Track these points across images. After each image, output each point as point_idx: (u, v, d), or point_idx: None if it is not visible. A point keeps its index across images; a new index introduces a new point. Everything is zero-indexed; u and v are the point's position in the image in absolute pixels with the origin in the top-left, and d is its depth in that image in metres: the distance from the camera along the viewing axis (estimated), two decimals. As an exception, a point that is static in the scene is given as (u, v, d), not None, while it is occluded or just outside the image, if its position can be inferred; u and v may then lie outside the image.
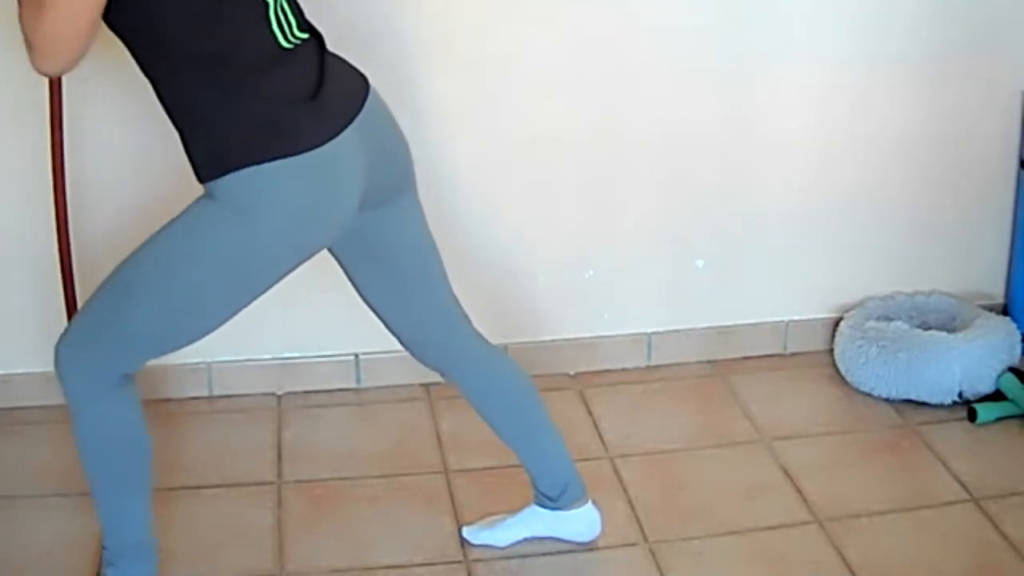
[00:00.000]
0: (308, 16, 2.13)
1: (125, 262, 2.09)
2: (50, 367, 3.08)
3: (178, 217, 2.06)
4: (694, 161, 3.17)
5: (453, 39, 2.97)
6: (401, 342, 2.43)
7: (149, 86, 2.01)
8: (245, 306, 2.12)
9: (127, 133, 2.89)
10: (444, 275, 2.39)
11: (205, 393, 3.17)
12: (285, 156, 1.96)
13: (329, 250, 2.26)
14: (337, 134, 2.02)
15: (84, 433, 2.18)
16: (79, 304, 2.66)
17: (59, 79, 2.45)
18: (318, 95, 2.03)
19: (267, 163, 1.96)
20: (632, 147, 3.13)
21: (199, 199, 2.05)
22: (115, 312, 2.08)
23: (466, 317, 2.45)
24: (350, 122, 2.05)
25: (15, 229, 2.97)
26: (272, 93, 1.98)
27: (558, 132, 3.08)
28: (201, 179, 2.02)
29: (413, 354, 2.46)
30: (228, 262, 2.04)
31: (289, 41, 2.03)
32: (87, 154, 2.87)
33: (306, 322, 3.13)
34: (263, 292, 2.12)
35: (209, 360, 3.12)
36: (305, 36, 2.08)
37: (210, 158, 1.99)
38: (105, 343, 2.11)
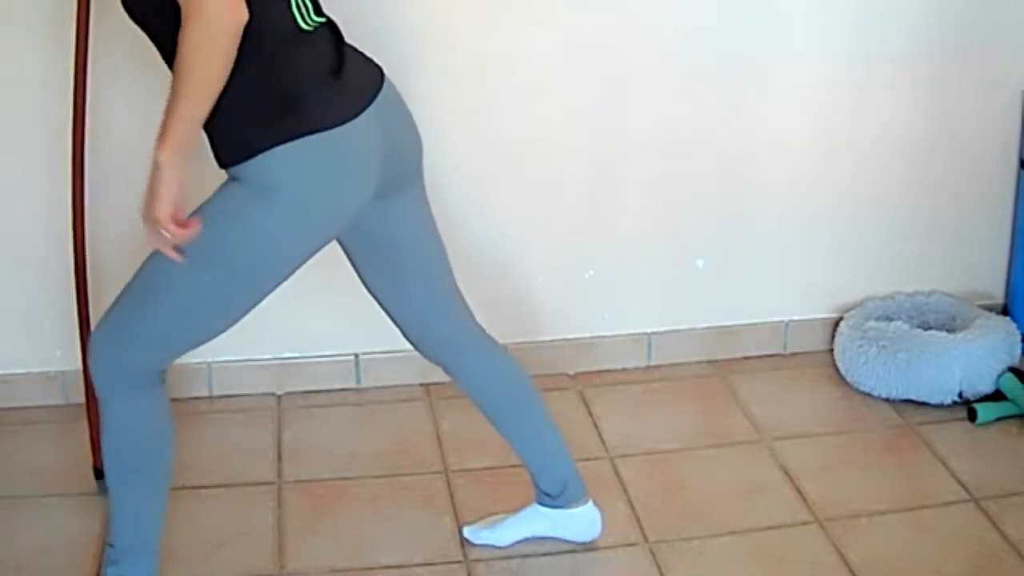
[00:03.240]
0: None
1: (150, 257, 2.07)
2: (50, 367, 3.09)
3: (201, 206, 2.06)
4: (694, 161, 3.17)
5: (453, 39, 2.97)
6: (404, 335, 2.44)
7: (168, 78, 2.00)
8: (267, 294, 2.12)
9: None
10: (449, 270, 2.40)
11: (205, 393, 3.17)
12: (308, 134, 1.98)
13: (338, 240, 2.26)
14: (358, 114, 2.04)
15: (111, 429, 2.19)
16: (90, 302, 2.64)
17: (84, 78, 2.43)
18: (338, 76, 2.05)
19: (291, 142, 1.97)
20: (632, 147, 3.13)
21: (222, 186, 2.05)
22: (142, 309, 2.09)
23: (470, 312, 2.45)
24: (369, 103, 2.07)
25: (15, 230, 2.97)
26: (293, 74, 2.00)
27: (558, 132, 3.08)
28: (225, 164, 2.02)
29: (416, 347, 2.46)
30: (253, 247, 2.04)
31: (308, 24, 2.05)
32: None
33: (306, 322, 3.13)
34: (285, 279, 2.12)
35: (209, 360, 3.12)
36: (323, 20, 2.10)
37: (234, 142, 1.99)
38: (134, 340, 2.11)
